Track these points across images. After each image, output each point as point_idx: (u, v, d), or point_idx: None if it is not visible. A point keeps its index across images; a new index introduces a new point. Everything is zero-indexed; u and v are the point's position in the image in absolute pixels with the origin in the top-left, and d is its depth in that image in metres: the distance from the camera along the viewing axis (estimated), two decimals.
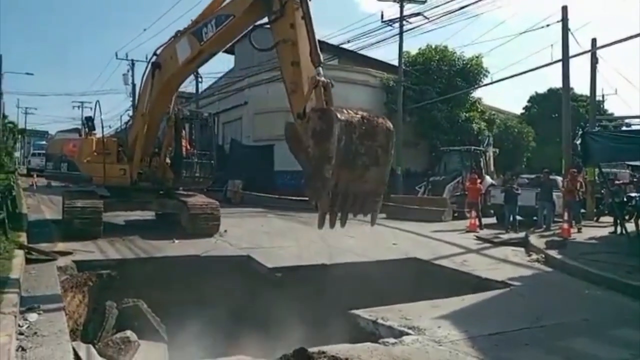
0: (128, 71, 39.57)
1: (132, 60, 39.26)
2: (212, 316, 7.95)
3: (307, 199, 5.71)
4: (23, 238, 9.15)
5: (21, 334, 4.57)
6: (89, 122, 12.68)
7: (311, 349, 4.55)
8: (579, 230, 14.01)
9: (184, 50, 9.21)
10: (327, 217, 5.39)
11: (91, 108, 65.39)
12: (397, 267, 9.31)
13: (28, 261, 7.67)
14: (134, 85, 39.13)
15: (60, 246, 9.15)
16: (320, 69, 5.96)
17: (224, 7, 8.29)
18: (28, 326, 4.81)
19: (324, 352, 4.57)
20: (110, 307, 7.61)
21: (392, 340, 5.15)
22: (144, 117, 11.09)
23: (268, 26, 6.87)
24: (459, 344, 5.09)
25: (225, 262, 9.26)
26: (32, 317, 5.05)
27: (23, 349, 4.20)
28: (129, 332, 6.95)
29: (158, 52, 10.27)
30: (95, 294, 7.93)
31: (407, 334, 5.40)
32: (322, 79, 5.84)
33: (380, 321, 5.94)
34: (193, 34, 8.87)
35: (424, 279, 8.82)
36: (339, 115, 5.16)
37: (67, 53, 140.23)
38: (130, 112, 40.21)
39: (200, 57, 9.36)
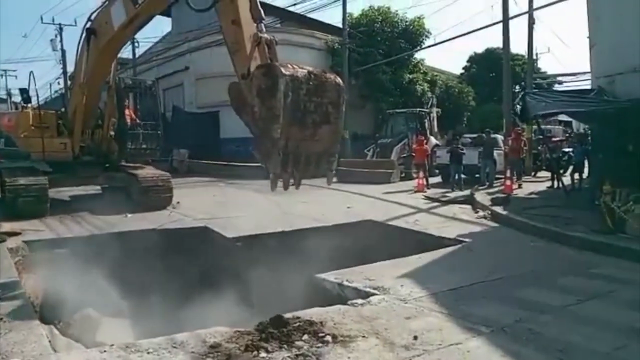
0: (56, 36, 37.16)
1: (60, 24, 36.81)
2: (175, 289, 7.94)
3: (256, 165, 5.68)
4: None
5: None
6: (23, 93, 11.91)
7: (286, 315, 4.67)
8: (520, 186, 14.80)
9: (119, 15, 8.75)
10: (281, 179, 5.28)
11: (16, 77, 61.32)
12: (354, 230, 9.56)
13: None
14: (63, 52, 36.95)
15: (6, 226, 8.76)
16: (263, 25, 5.80)
17: None
18: None
19: (298, 317, 4.70)
20: (69, 285, 7.44)
21: (360, 301, 5.35)
22: (81, 87, 10.56)
23: None
24: (423, 301, 5.36)
25: (182, 234, 9.18)
26: None
27: None
28: (90, 310, 6.86)
29: (92, 17, 9.71)
30: (50, 274, 7.69)
31: (373, 294, 5.61)
32: (265, 35, 5.67)
33: (345, 283, 6.13)
34: None
35: (380, 240, 9.11)
36: (283, 71, 5.00)
37: None
38: (61, 81, 38.07)
39: (137, 21, 8.85)
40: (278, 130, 4.96)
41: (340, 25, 25.19)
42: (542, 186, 15.02)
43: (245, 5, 5.85)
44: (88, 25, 9.85)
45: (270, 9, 25.64)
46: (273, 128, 4.99)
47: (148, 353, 3.95)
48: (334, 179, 6.14)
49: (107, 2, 9.19)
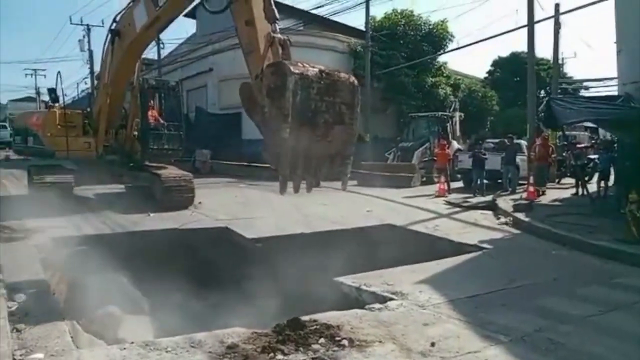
0: (84, 37, 37.96)
1: (88, 25, 37.61)
2: (195, 288, 8.03)
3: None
4: None
5: (12, 315, 4.55)
6: (51, 93, 12.25)
7: (303, 318, 4.69)
8: (543, 193, 14.56)
9: (141, 16, 8.92)
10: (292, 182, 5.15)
11: (45, 76, 62.89)
12: (373, 234, 9.54)
13: (1, 240, 7.52)
14: (90, 52, 37.69)
15: (32, 224, 8.97)
16: (277, 25, 5.72)
17: None
18: (17, 307, 4.78)
19: (315, 320, 4.72)
20: (92, 283, 7.59)
21: (378, 305, 5.34)
22: (106, 87, 10.79)
23: None
24: (441, 307, 5.33)
25: (203, 234, 9.29)
26: (20, 297, 5.01)
27: (18, 330, 4.19)
28: (111, 307, 6.97)
29: (117, 18, 9.91)
30: (73, 271, 7.86)
31: (391, 299, 5.60)
32: (278, 35, 5.59)
33: (363, 287, 6.12)
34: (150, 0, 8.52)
35: (400, 245, 9.07)
36: (292, 69, 4.85)
37: (19, 18, 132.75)
38: (88, 80, 38.84)
39: (158, 23, 9.02)
40: (287, 130, 4.82)
41: (363, 28, 25.18)
42: (566, 193, 14.76)
43: (259, 6, 5.83)
44: (113, 26, 10.07)
45: (293, 12, 25.81)
46: (282, 128, 4.84)
47: (167, 351, 4.01)
48: (354, 182, 6.04)
49: (131, 4, 9.38)
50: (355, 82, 5.39)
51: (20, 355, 3.76)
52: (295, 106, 4.78)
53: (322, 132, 5.08)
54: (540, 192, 14.20)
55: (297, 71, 4.83)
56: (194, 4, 9.06)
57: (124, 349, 4.07)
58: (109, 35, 10.24)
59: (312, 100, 4.91)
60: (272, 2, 5.79)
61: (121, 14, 9.83)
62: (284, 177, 5.12)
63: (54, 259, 7.54)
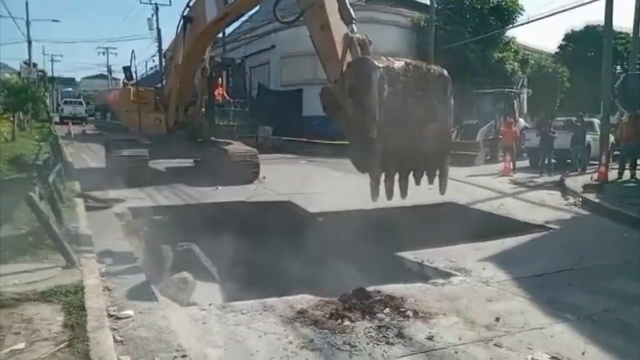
0: (152, 15, 39.14)
1: (156, 4, 38.77)
2: (260, 258, 8.40)
3: (337, 143, 5.28)
4: (77, 187, 9.63)
5: (102, 275, 5.00)
6: (126, 71, 12.91)
7: (368, 288, 4.86)
8: (633, 177, 13.52)
9: (211, 10, 9.06)
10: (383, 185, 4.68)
11: (116, 54, 65.72)
12: (435, 212, 9.52)
13: (87, 209, 8.14)
14: (159, 30, 38.88)
15: (112, 194, 9.61)
16: (354, 25, 5.39)
17: None
18: (106, 269, 5.24)
19: (379, 291, 4.88)
20: (166, 250, 8.11)
21: (441, 280, 5.43)
22: (178, 68, 11.21)
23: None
24: (506, 284, 5.34)
25: (268, 207, 9.65)
26: (108, 260, 5.48)
27: (109, 290, 4.63)
28: (185, 273, 7.42)
29: (191, 3, 10.13)
30: (150, 238, 8.41)
31: (454, 275, 5.67)
32: (357, 35, 5.26)
33: (426, 263, 6.21)
34: None
35: (462, 223, 9.00)
36: (377, 63, 4.53)
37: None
38: (156, 58, 40.24)
39: (228, 18, 9.25)
40: (375, 130, 4.44)
41: (427, 2, 24.54)
42: None
43: (333, 8, 5.50)
44: (185, 12, 10.32)
45: None
46: (370, 127, 4.46)
47: (242, 314, 4.31)
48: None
49: None
50: (446, 73, 5.02)
51: (113, 311, 4.16)
52: (383, 103, 4.42)
53: (413, 130, 4.68)
54: (632, 176, 13.18)
55: (381, 65, 4.51)
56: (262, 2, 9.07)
57: (204, 310, 4.41)
58: (182, 20, 10.49)
59: (400, 95, 4.54)
60: (347, 2, 5.49)
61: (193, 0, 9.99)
62: (375, 181, 4.70)
63: (133, 226, 8.10)
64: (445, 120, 4.95)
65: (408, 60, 4.89)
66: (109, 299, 4.42)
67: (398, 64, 4.66)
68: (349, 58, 5.16)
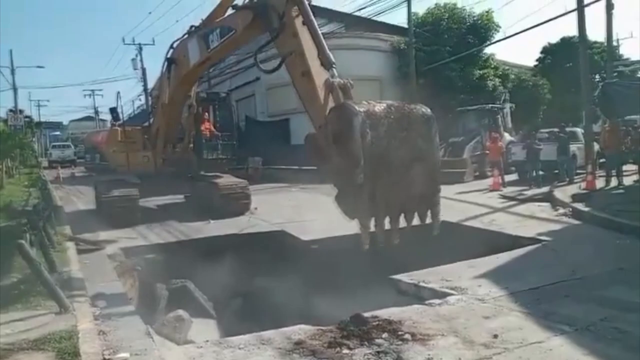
0: (137, 56, 39.58)
1: (140, 44, 39.22)
2: (256, 290, 8.35)
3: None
4: (68, 230, 9.57)
5: (96, 319, 4.95)
6: (113, 112, 12.98)
7: (365, 314, 4.84)
8: (620, 184, 13.61)
9: (194, 53, 9.07)
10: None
11: (102, 95, 66.10)
12: (429, 231, 9.52)
13: (78, 252, 8.07)
14: (143, 70, 39.27)
15: (103, 235, 9.56)
16: (334, 70, 5.46)
17: (228, 18, 8.07)
18: (100, 312, 5.19)
19: (376, 316, 4.86)
20: (160, 288, 8.05)
21: (437, 301, 5.42)
22: (164, 107, 11.25)
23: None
24: (502, 300, 5.35)
25: (261, 237, 9.63)
26: (102, 303, 5.43)
27: (103, 333, 4.57)
28: (181, 311, 7.35)
29: (174, 45, 10.10)
30: (143, 278, 8.35)
31: (450, 294, 5.66)
32: (337, 80, 5.33)
33: (422, 284, 6.20)
34: (202, 38, 8.67)
35: (456, 241, 9.03)
36: (357, 107, 4.52)
37: (75, 42, 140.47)
38: (142, 97, 40.52)
39: (209, 62, 9.43)
40: (360, 175, 4.42)
41: (405, 26, 25.05)
42: (628, 180, 14.16)
43: (313, 55, 5.63)
44: (169, 54, 10.27)
45: (334, 15, 26.02)
46: (355, 174, 4.43)
47: (239, 349, 4.27)
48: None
49: (185, 36, 9.49)
50: (429, 111, 5.00)
51: (108, 355, 4.10)
52: (366, 148, 4.40)
53: (400, 172, 4.67)
54: (620, 183, 13.34)
55: (362, 109, 4.51)
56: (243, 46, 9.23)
57: (200, 347, 4.37)
58: (166, 62, 10.41)
59: (384, 138, 4.53)
60: (326, 48, 5.59)
61: (177, 42, 9.97)
62: (365, 227, 4.71)
63: (126, 267, 8.04)
64: (432, 159, 4.94)
65: (390, 102, 4.91)
66: (104, 343, 4.36)
67: (379, 106, 4.68)
68: (331, 102, 5.20)
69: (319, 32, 5.80)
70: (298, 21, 5.93)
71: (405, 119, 4.71)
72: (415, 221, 5.10)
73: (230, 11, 8.29)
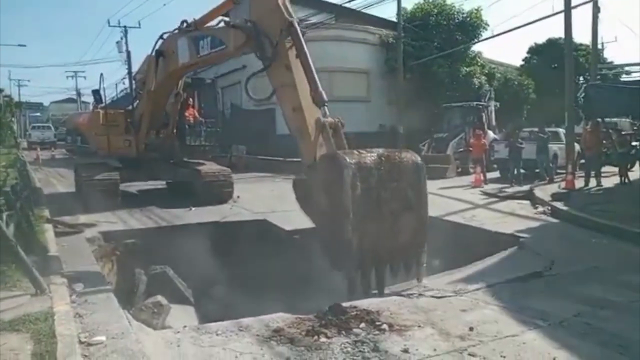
0: (122, 38, 38.93)
1: (125, 27, 38.57)
2: (236, 278, 8.33)
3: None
4: (46, 212, 9.42)
5: (73, 302, 4.89)
6: (95, 95, 12.76)
7: (344, 304, 4.87)
8: (599, 184, 13.81)
9: (183, 53, 8.85)
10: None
11: (85, 77, 65.04)
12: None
13: (56, 234, 7.97)
14: (128, 53, 38.62)
15: (82, 218, 9.45)
16: (326, 108, 5.45)
17: (221, 31, 7.83)
18: (77, 295, 5.13)
19: (355, 307, 4.88)
20: (139, 274, 7.99)
21: (415, 293, 5.47)
22: (150, 94, 11.04)
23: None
24: (478, 294, 5.42)
25: (243, 226, 9.60)
26: (79, 286, 5.37)
27: (80, 316, 4.53)
28: (159, 297, 7.31)
29: (164, 36, 9.81)
30: (122, 262, 8.28)
31: (429, 287, 5.72)
32: (329, 119, 5.33)
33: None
34: (193, 41, 8.47)
35: (436, 235, 9.10)
36: (348, 159, 4.50)
37: (58, 22, 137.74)
38: (126, 81, 39.88)
39: (198, 66, 9.43)
40: (349, 229, 4.42)
41: (394, 19, 25.06)
42: (608, 182, 14.42)
43: (305, 91, 5.59)
44: (157, 45, 9.98)
45: (324, 5, 25.88)
46: (344, 227, 4.43)
47: (217, 335, 4.27)
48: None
49: (176, 31, 9.24)
50: (419, 160, 5.00)
51: (85, 337, 4.06)
52: (356, 200, 4.39)
53: (388, 223, 4.68)
54: (598, 184, 13.48)
55: (353, 161, 4.50)
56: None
57: (178, 332, 4.36)
58: (154, 53, 10.12)
59: (373, 190, 4.53)
60: (319, 85, 5.55)
61: (168, 35, 9.69)
62: (351, 280, 4.71)
63: (105, 251, 7.97)
64: (420, 208, 4.96)
65: (380, 151, 4.88)
66: (80, 326, 4.32)
67: (370, 157, 4.67)
68: (321, 141, 5.23)
69: (312, 66, 5.70)
70: (291, 53, 5.86)
71: (395, 169, 4.74)
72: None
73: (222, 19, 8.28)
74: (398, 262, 4.97)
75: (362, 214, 4.43)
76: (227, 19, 7.95)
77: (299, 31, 5.89)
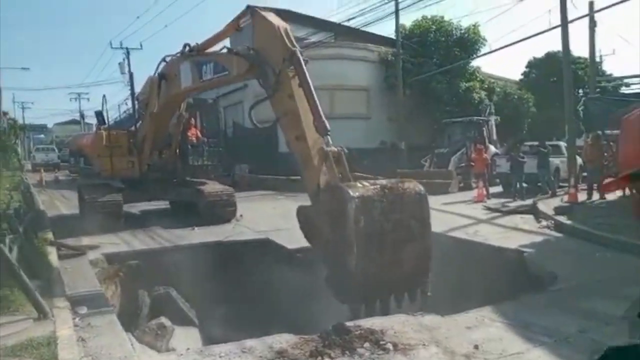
0: (124, 60, 39.30)
1: (127, 48, 38.94)
2: (240, 298, 8.30)
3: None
4: (50, 235, 9.43)
5: (76, 325, 4.88)
6: (98, 116, 12.86)
7: (348, 323, 4.85)
8: (603, 197, 13.75)
9: (186, 77, 8.87)
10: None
11: (88, 99, 65.62)
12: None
13: (60, 257, 7.97)
14: (131, 74, 38.88)
15: (86, 240, 9.45)
16: (329, 137, 5.50)
17: (224, 57, 7.80)
18: (80, 318, 5.12)
19: (359, 326, 4.85)
20: (143, 295, 7.98)
21: (420, 311, 5.45)
22: (152, 116, 11.13)
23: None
24: (483, 311, 5.39)
25: (246, 246, 9.59)
26: (82, 309, 5.36)
27: (83, 340, 4.51)
28: (163, 319, 7.30)
29: (167, 59, 9.81)
30: (126, 284, 8.26)
31: None
32: (332, 148, 5.39)
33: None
34: (195, 65, 8.50)
35: (439, 251, 9.08)
36: (351, 192, 4.56)
37: (62, 44, 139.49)
38: (129, 102, 40.16)
39: (200, 90, 9.59)
40: (353, 262, 4.46)
41: (393, 37, 25.31)
42: (610, 194, 14.36)
43: (308, 120, 5.64)
44: (160, 67, 9.99)
45: (324, 24, 26.18)
46: (348, 260, 4.47)
47: (220, 357, 4.24)
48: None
49: (178, 55, 9.24)
50: (422, 190, 5.02)
51: None
52: (360, 232, 4.43)
53: (392, 254, 4.72)
54: (601, 197, 13.43)
55: (357, 194, 4.54)
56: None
57: (181, 355, 4.34)
58: (156, 75, 10.14)
59: (377, 222, 4.56)
60: (322, 114, 5.59)
61: (170, 58, 9.68)
62: (355, 311, 4.76)
63: (108, 273, 7.96)
64: (423, 238, 4.98)
65: (384, 182, 4.93)
66: (83, 350, 4.31)
67: (373, 189, 4.70)
68: (324, 169, 5.30)
69: (315, 95, 5.74)
70: (294, 82, 5.89)
71: (398, 201, 4.76)
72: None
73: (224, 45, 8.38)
74: (402, 292, 5.01)
75: (366, 246, 4.47)
76: (228, 45, 8.04)
77: (301, 60, 5.92)
